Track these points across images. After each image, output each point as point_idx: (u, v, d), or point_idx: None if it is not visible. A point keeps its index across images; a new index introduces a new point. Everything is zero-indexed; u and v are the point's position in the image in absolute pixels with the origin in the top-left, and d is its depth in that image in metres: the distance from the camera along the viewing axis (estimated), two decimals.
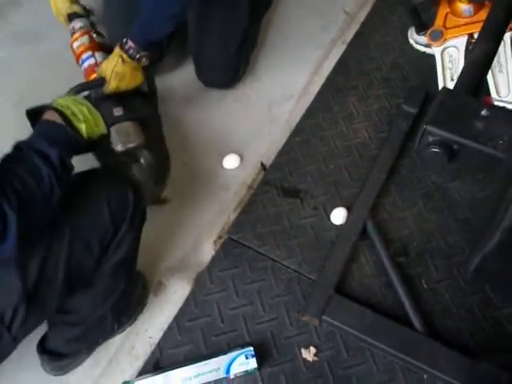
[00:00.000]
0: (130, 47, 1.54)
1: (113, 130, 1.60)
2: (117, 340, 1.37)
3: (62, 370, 1.34)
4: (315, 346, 1.38)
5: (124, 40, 1.54)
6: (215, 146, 1.75)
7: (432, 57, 1.74)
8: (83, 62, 1.69)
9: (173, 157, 1.71)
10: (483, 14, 1.50)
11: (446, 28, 1.58)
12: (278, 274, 1.50)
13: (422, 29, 1.66)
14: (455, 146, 0.97)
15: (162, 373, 1.31)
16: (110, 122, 1.60)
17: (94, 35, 1.74)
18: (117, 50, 1.55)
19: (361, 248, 1.54)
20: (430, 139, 0.97)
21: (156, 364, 1.36)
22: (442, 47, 1.58)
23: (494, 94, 1.49)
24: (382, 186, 1.63)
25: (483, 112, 0.97)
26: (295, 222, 1.59)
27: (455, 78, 1.52)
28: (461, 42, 1.56)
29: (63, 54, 1.66)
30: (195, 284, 1.47)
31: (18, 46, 1.95)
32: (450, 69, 1.57)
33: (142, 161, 1.60)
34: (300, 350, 1.38)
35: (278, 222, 1.59)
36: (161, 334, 1.39)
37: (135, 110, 1.65)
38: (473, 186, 1.64)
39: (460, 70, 1.45)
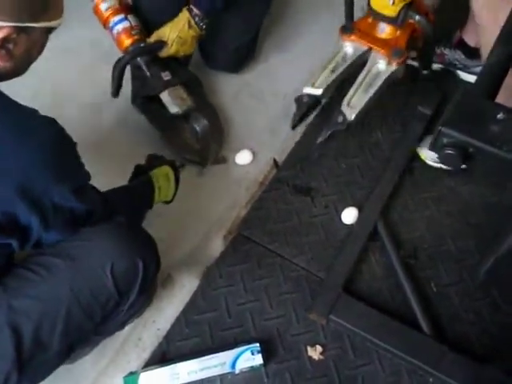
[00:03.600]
0: (196, 14, 1.57)
1: (166, 94, 1.65)
2: (124, 331, 1.37)
3: (69, 360, 1.35)
4: (321, 345, 1.38)
5: (189, 6, 1.57)
6: (228, 141, 1.75)
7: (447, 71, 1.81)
8: (115, 24, 1.64)
9: None
10: (392, 39, 1.60)
11: (359, 30, 1.63)
12: (286, 271, 1.50)
13: (348, 19, 1.70)
14: (470, 149, 0.96)
15: (168, 365, 1.32)
16: (162, 86, 1.65)
17: None
18: (185, 14, 1.57)
19: (371, 248, 1.53)
20: (445, 141, 0.97)
21: (163, 356, 1.36)
22: (345, 43, 1.64)
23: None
24: (394, 187, 1.63)
25: (499, 115, 0.96)
26: (306, 220, 1.59)
27: (335, 71, 1.61)
28: (359, 49, 1.62)
29: (78, 48, 1.67)
30: (204, 278, 1.48)
31: None
32: (337, 64, 1.63)
33: (196, 126, 1.68)
34: (306, 348, 1.38)
35: (288, 219, 1.59)
36: (168, 327, 1.40)
37: (180, 74, 1.69)
38: (486, 190, 1.63)
39: (341, 70, 1.59)
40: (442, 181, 1.66)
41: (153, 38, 1.63)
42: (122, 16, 1.65)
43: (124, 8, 1.67)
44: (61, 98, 1.79)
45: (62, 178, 1.04)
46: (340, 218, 1.58)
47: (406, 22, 1.56)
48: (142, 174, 1.46)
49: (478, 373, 1.32)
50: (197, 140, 1.70)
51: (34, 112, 1.04)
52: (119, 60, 1.66)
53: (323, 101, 1.64)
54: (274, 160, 1.71)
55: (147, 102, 1.70)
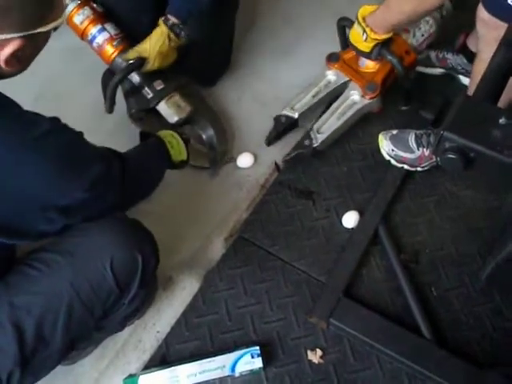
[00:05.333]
0: (174, 23, 1.51)
1: (163, 104, 1.62)
2: (124, 333, 1.38)
3: (69, 360, 1.35)
4: (322, 349, 1.38)
5: (165, 17, 1.51)
6: (230, 144, 1.75)
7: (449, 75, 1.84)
8: (94, 37, 1.58)
9: None
10: (370, 74, 1.67)
11: (343, 60, 1.71)
12: (287, 274, 1.50)
13: (343, 47, 1.77)
14: (472, 154, 0.96)
15: (167, 367, 1.32)
16: (157, 97, 1.61)
17: (94, 5, 1.59)
18: (162, 28, 1.51)
19: (372, 252, 1.53)
20: (447, 145, 0.97)
21: (162, 358, 1.36)
22: (329, 71, 1.72)
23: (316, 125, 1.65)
24: (396, 191, 1.62)
25: (501, 120, 0.96)
26: (307, 223, 1.59)
27: (315, 96, 1.70)
28: (341, 78, 1.71)
29: (83, 49, 1.66)
30: (204, 281, 1.48)
31: None
32: (319, 90, 1.72)
33: (199, 130, 1.67)
34: (306, 352, 1.38)
35: (289, 222, 1.59)
36: (168, 329, 1.40)
37: (172, 79, 1.65)
38: (488, 195, 1.63)
39: (321, 96, 1.69)
40: (443, 185, 1.65)
41: (132, 55, 1.56)
42: (99, 27, 1.57)
43: (99, 16, 1.58)
44: (62, 100, 1.79)
45: (75, 183, 1.05)
46: (341, 222, 1.58)
47: (383, 58, 1.61)
48: (148, 137, 1.47)
49: (478, 378, 1.32)
50: (203, 144, 1.69)
51: (36, 120, 1.02)
52: (105, 77, 1.64)
53: (300, 123, 1.71)
54: (276, 163, 1.71)
55: (144, 114, 1.67)
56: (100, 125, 1.73)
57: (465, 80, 1.83)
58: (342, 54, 1.72)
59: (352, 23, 1.61)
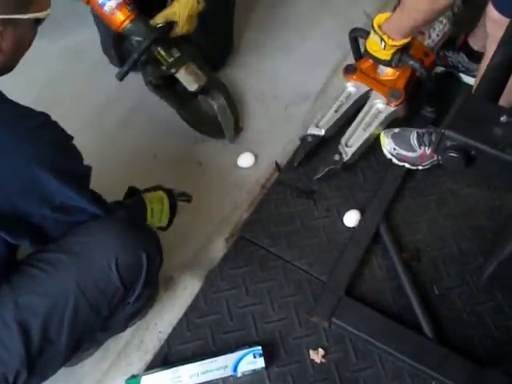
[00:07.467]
0: None
1: (182, 72, 1.62)
2: (126, 333, 1.38)
3: (71, 362, 1.35)
4: (324, 348, 1.38)
5: None
6: (230, 144, 1.75)
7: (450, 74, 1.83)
8: (104, 2, 1.50)
9: (187, 154, 1.72)
10: (391, 81, 1.66)
11: (361, 70, 1.69)
12: (288, 274, 1.49)
13: (356, 58, 1.76)
14: (473, 152, 0.96)
15: (169, 368, 1.32)
16: (177, 65, 1.60)
17: None
18: None
19: (373, 251, 1.53)
20: (448, 144, 0.97)
21: (164, 359, 1.36)
22: (348, 83, 1.70)
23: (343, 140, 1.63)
24: (397, 190, 1.62)
25: (503, 118, 0.96)
26: (308, 222, 1.58)
27: (338, 111, 1.67)
28: (363, 89, 1.68)
29: (83, 49, 1.66)
30: (206, 281, 1.48)
31: (37, 40, 1.95)
32: (341, 103, 1.69)
33: (212, 100, 1.69)
34: (308, 352, 1.38)
35: (290, 222, 1.58)
36: (170, 330, 1.40)
37: (186, 49, 1.65)
38: (489, 194, 1.63)
39: (344, 109, 1.66)
40: (444, 184, 1.65)
41: (160, 20, 1.54)
42: None
43: None
44: (61, 101, 1.79)
45: (64, 175, 1.04)
46: (342, 221, 1.58)
47: (404, 64, 1.60)
48: (135, 194, 1.42)
49: (480, 376, 1.32)
50: (216, 113, 1.71)
51: (29, 112, 1.02)
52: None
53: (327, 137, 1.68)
54: (276, 163, 1.71)
55: (161, 81, 1.66)
56: (97, 126, 1.73)
57: (466, 78, 1.83)
58: (359, 64, 1.70)
59: (365, 33, 1.60)
